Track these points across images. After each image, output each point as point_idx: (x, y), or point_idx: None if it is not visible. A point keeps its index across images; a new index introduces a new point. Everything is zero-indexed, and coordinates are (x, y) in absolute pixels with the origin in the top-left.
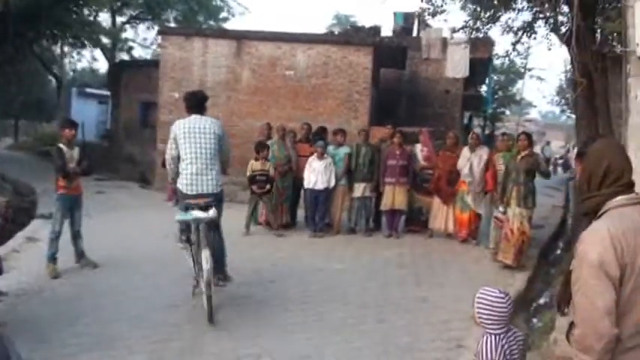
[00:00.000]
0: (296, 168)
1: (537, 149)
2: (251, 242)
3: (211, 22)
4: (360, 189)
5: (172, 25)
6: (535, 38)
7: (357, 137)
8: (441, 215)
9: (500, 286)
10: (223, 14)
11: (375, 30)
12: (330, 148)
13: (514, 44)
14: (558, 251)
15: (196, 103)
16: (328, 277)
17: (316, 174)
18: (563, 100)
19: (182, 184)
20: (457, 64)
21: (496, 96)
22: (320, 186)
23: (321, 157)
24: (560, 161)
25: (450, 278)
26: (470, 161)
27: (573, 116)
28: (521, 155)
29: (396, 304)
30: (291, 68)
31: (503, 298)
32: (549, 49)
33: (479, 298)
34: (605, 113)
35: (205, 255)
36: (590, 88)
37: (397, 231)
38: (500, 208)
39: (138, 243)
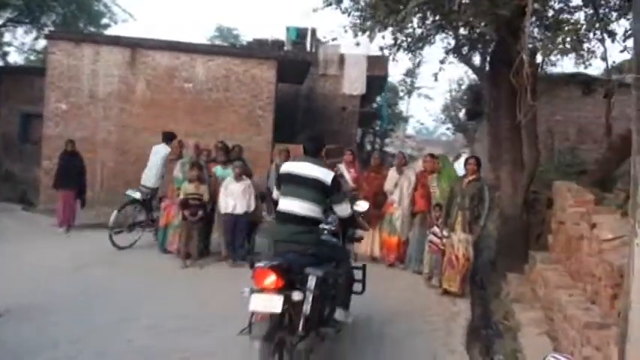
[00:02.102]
0: (210, 189)
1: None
2: (188, 276)
3: (92, 29)
4: None
5: (52, 29)
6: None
7: (276, 156)
8: (366, 239)
9: (447, 314)
10: (105, 20)
11: (279, 44)
12: (218, 168)
13: (436, 74)
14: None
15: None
16: None
17: (235, 197)
18: (447, 119)
19: None
20: (354, 81)
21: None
22: (239, 210)
23: (239, 178)
24: None
25: (393, 308)
26: (399, 184)
27: (450, 133)
28: (468, 179)
29: (352, 342)
30: (190, 80)
31: None
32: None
33: None
34: (532, 134)
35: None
36: (513, 108)
37: None
38: (445, 233)
39: (43, 281)
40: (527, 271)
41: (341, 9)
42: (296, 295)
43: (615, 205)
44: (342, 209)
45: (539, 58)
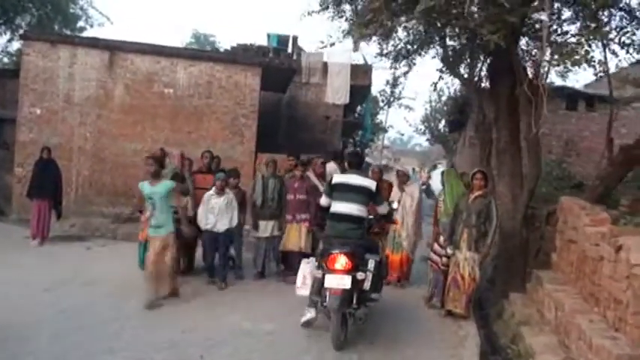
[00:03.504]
0: (193, 202)
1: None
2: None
3: (67, 32)
4: (267, 227)
5: (26, 30)
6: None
7: (262, 166)
8: None
9: (454, 338)
10: (81, 23)
11: (264, 50)
12: (145, 185)
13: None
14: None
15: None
16: (262, 343)
17: (216, 213)
18: (427, 129)
19: None
20: (338, 90)
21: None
22: (221, 227)
23: (221, 192)
24: (423, 187)
25: (398, 333)
26: (402, 201)
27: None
28: (475, 195)
29: None
30: (171, 86)
31: None
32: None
33: None
34: (535, 148)
35: None
36: (513, 119)
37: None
38: (449, 250)
39: (16, 301)
40: (530, 291)
41: (338, 13)
42: (359, 275)
43: (634, 225)
44: (382, 208)
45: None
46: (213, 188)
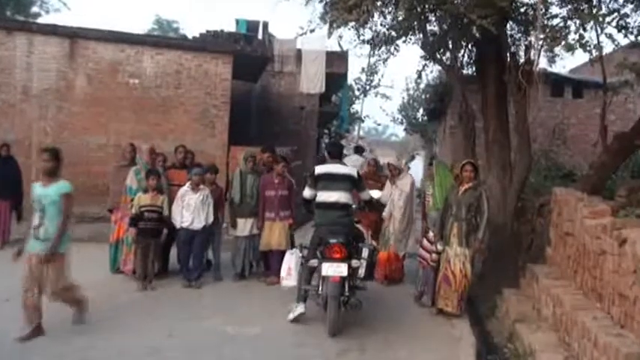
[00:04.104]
0: (169, 201)
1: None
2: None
3: (20, 18)
4: (246, 226)
5: None
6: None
7: (240, 160)
8: None
9: (448, 338)
10: (35, 9)
11: (235, 37)
12: (37, 186)
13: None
14: None
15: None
16: (247, 348)
17: (192, 210)
18: (404, 119)
19: None
20: (312, 79)
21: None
22: (197, 225)
23: (196, 188)
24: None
25: (390, 334)
26: (392, 196)
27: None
28: (465, 187)
29: None
30: (136, 76)
31: None
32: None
33: None
34: (525, 137)
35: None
36: (502, 108)
37: (279, 276)
38: (439, 246)
39: None
40: (525, 287)
41: None
42: (354, 263)
43: (636, 216)
44: (364, 194)
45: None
46: (188, 184)
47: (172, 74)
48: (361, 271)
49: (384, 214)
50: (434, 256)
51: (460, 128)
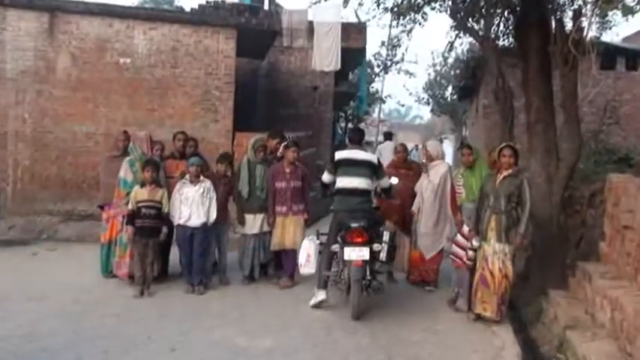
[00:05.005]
0: (168, 197)
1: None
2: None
3: None
4: (256, 222)
5: None
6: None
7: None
8: (401, 249)
9: (490, 349)
10: None
11: (239, 7)
12: None
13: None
14: None
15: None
16: None
17: (190, 204)
18: (431, 98)
19: None
20: (326, 55)
21: (359, 93)
22: (196, 221)
23: (196, 180)
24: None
25: (422, 345)
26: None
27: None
28: (503, 175)
29: None
30: (128, 54)
31: None
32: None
33: None
34: (573, 115)
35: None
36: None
37: (293, 278)
38: (474, 242)
39: None
40: (575, 288)
41: None
42: (376, 247)
43: None
44: (384, 182)
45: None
46: (187, 175)
47: (168, 52)
48: (383, 255)
49: (413, 208)
50: (470, 253)
51: (496, 108)
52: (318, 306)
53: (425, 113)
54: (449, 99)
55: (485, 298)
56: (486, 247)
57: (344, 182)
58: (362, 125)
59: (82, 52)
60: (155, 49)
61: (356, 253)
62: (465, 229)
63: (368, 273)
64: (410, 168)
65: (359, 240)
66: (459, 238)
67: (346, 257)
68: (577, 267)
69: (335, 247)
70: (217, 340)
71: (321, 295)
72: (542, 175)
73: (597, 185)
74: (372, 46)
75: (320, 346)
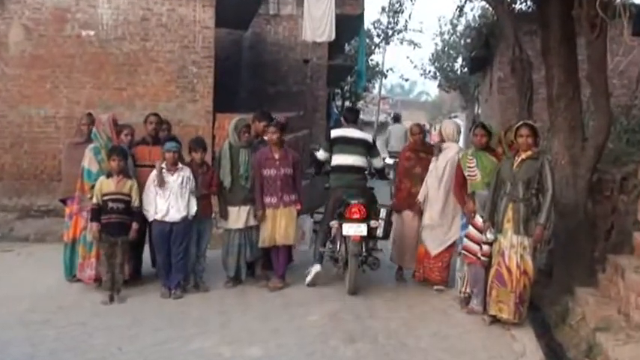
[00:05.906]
0: (138, 188)
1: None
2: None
3: None
4: (241, 215)
5: None
6: None
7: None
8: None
9: (509, 354)
10: None
11: None
12: None
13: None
14: None
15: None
16: None
17: (167, 196)
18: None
19: None
20: (319, 24)
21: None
22: (175, 215)
23: (173, 168)
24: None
25: (433, 353)
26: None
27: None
28: (522, 158)
29: None
30: (90, 26)
31: None
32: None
33: None
34: (602, 88)
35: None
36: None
37: (284, 279)
38: (489, 235)
39: None
40: (605, 284)
41: None
42: (373, 223)
43: None
44: (378, 161)
45: None
46: (164, 163)
47: (137, 23)
48: (379, 231)
49: (419, 196)
50: (484, 248)
51: (512, 81)
52: (314, 282)
53: (432, 89)
54: (459, 72)
55: (502, 297)
56: (502, 241)
57: (340, 160)
58: (361, 103)
59: (37, 25)
60: (122, 19)
61: (354, 229)
62: (479, 219)
63: (364, 249)
64: (429, 152)
65: (357, 216)
66: (472, 230)
67: (345, 232)
68: (607, 260)
69: (333, 223)
70: (197, 351)
71: (316, 268)
72: (566, 157)
73: (629, 167)
74: (372, 13)
75: (316, 355)
